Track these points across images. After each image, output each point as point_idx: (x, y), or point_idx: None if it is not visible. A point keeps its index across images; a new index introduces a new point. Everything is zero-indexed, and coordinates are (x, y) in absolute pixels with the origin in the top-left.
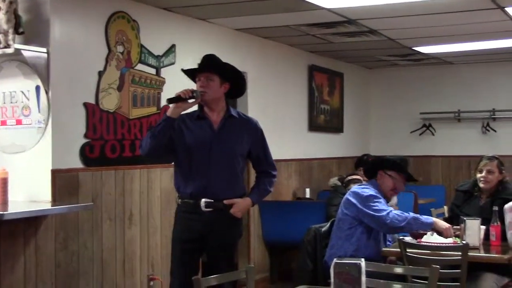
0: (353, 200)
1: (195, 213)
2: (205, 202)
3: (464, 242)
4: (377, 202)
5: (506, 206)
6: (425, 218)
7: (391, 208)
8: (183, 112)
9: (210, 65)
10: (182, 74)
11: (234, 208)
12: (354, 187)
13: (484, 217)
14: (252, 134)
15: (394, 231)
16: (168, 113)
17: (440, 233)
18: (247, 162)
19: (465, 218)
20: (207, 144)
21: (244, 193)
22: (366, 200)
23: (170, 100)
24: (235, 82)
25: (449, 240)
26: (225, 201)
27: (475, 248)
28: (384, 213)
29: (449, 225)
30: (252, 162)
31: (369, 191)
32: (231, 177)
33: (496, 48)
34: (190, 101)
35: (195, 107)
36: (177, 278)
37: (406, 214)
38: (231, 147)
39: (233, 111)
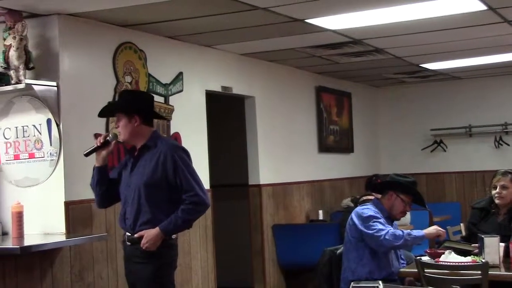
0: (355, 221)
1: (123, 247)
2: (127, 236)
3: (483, 260)
4: (376, 222)
5: None
6: (416, 232)
7: (389, 228)
8: None
9: (111, 107)
10: (191, 101)
11: (143, 240)
12: (356, 208)
13: (502, 234)
14: (163, 161)
15: (392, 249)
16: (96, 163)
17: (438, 236)
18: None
19: (483, 236)
20: (126, 178)
21: None
22: (366, 220)
23: (86, 154)
24: (143, 111)
25: (468, 259)
26: (135, 235)
27: (495, 266)
28: (382, 232)
29: (434, 226)
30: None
31: (369, 211)
32: (142, 208)
33: (505, 61)
34: (113, 143)
35: None
36: None
37: (400, 232)
38: (139, 178)
39: (150, 141)
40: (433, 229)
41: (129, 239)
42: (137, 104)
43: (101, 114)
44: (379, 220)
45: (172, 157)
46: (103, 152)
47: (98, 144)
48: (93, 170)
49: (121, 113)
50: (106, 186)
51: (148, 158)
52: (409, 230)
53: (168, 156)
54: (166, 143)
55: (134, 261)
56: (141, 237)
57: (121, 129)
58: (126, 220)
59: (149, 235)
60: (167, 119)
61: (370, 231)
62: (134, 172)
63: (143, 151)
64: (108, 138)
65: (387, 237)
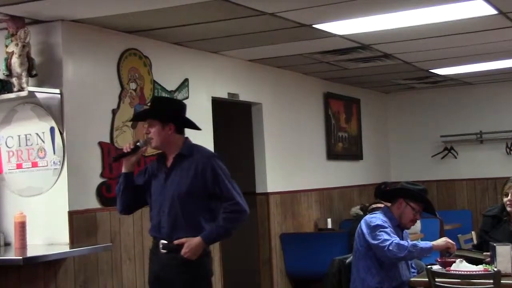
0: (364, 230)
1: (154, 254)
2: (162, 243)
3: (495, 269)
4: (382, 232)
5: None
6: (424, 243)
7: (395, 238)
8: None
9: (146, 113)
10: (197, 108)
11: (184, 249)
12: (365, 216)
13: None
14: (202, 170)
15: (397, 261)
16: (123, 169)
17: (448, 248)
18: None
19: (495, 244)
20: (160, 186)
21: None
22: (373, 230)
23: (114, 159)
24: (179, 120)
25: (480, 268)
26: (175, 242)
27: (507, 275)
28: (387, 243)
29: (444, 237)
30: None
31: (376, 220)
32: (180, 217)
33: None
34: (143, 149)
35: None
36: None
37: (405, 243)
38: (177, 187)
39: (185, 150)
40: (442, 241)
41: (165, 247)
42: (173, 112)
43: (135, 118)
44: (385, 229)
45: (211, 166)
46: (132, 158)
47: (128, 150)
48: (119, 176)
49: (156, 119)
50: (132, 192)
51: (185, 167)
52: (415, 242)
53: (207, 165)
54: (202, 151)
55: (170, 270)
56: (180, 245)
57: (154, 135)
58: (162, 228)
59: (191, 244)
60: (200, 129)
61: (375, 241)
62: (170, 181)
63: (178, 160)
64: (138, 144)
65: (391, 248)
